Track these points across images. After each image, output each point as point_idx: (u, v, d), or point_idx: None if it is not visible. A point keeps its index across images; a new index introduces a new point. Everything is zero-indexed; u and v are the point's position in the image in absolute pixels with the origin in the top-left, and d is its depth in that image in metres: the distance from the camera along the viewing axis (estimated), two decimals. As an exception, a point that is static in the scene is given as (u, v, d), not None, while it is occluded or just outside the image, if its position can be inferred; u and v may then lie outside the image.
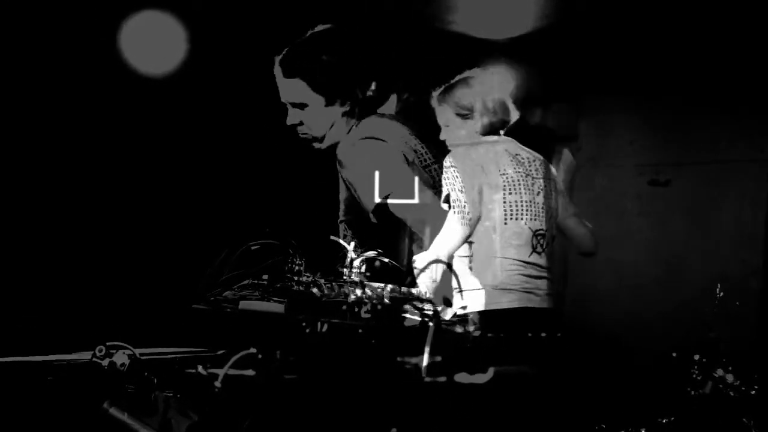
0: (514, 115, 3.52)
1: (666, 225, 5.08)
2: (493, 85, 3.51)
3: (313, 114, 3.61)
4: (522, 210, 3.38)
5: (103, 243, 4.88)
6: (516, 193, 3.39)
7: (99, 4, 4.73)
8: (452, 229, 3.31)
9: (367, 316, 2.71)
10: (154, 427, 2.87)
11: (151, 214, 4.98)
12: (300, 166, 5.13)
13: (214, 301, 2.82)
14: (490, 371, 2.52)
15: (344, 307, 2.71)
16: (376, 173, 3.30)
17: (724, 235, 5.01)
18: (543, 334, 2.86)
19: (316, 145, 3.68)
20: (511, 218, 3.37)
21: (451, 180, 3.38)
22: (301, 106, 3.60)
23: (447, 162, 3.40)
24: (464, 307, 3.01)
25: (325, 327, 2.72)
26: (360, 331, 2.70)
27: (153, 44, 4.88)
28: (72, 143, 4.84)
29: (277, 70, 3.64)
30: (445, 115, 3.53)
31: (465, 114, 3.49)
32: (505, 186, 3.39)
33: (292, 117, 3.65)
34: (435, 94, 3.57)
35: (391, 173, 3.35)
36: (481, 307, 3.26)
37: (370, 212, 3.40)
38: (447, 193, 3.37)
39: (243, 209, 4.95)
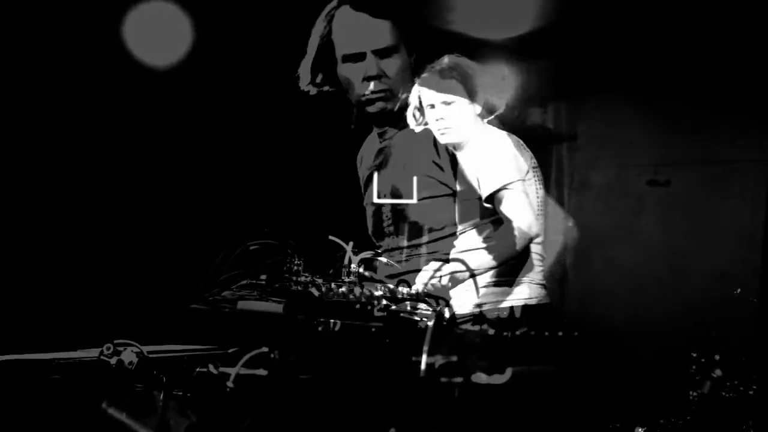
0: (500, 106, 3.36)
1: (666, 225, 5.08)
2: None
3: (395, 64, 3.45)
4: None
5: (109, 239, 4.88)
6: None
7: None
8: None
9: (381, 314, 2.71)
10: (152, 427, 2.87)
11: (156, 210, 4.98)
12: (299, 165, 5.14)
13: (212, 301, 2.82)
14: (508, 372, 2.49)
15: (358, 306, 2.71)
16: (502, 156, 3.21)
17: (724, 235, 5.01)
18: (560, 333, 2.81)
19: (383, 104, 3.48)
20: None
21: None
22: (387, 52, 3.42)
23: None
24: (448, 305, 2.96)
25: (338, 326, 2.72)
26: (373, 330, 2.70)
27: (154, 38, 4.88)
28: (74, 140, 4.83)
29: (350, 14, 3.46)
30: (450, 89, 3.30)
31: (475, 90, 3.31)
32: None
33: (371, 68, 3.45)
34: (432, 70, 3.32)
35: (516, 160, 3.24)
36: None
37: (483, 198, 3.25)
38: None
39: (244, 208, 4.95)
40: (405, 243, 3.28)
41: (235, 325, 2.91)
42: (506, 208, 3.15)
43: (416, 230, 3.31)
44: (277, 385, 2.72)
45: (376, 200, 3.56)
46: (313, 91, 3.58)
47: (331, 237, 2.93)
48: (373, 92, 3.47)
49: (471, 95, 3.29)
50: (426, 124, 3.36)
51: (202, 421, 2.84)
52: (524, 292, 3.22)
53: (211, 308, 2.83)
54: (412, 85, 3.41)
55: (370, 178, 3.60)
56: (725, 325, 4.00)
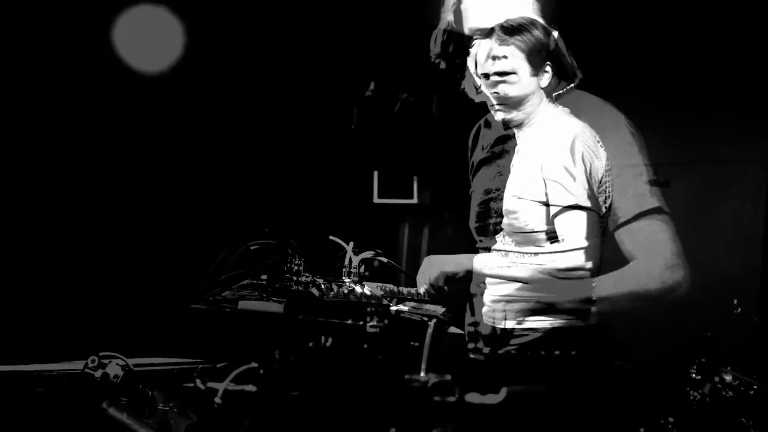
0: (579, 74, 2.97)
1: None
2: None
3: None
4: None
5: (95, 246, 4.86)
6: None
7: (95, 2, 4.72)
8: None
9: (373, 330, 2.70)
10: (152, 426, 2.86)
11: (157, 211, 4.98)
12: (299, 165, 5.13)
13: (213, 301, 2.82)
14: (503, 391, 2.46)
15: (349, 321, 2.70)
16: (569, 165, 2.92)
17: (723, 235, 5.00)
18: (557, 352, 2.74)
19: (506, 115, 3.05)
20: None
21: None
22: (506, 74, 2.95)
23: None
24: (446, 313, 2.91)
25: (329, 342, 2.71)
26: (365, 346, 2.69)
27: (150, 40, 4.89)
28: (60, 145, 4.81)
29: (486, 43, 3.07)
30: (507, 58, 2.84)
31: (541, 57, 2.85)
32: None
33: (491, 86, 3.02)
34: (487, 30, 2.91)
35: None
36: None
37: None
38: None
39: (244, 208, 4.95)
40: (513, 247, 2.98)
41: (236, 325, 2.90)
42: (561, 229, 2.82)
43: (528, 238, 2.97)
44: (276, 387, 2.71)
45: (376, 200, 3.53)
46: (443, 64, 3.28)
47: (331, 237, 2.93)
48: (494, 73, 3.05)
49: (535, 66, 2.86)
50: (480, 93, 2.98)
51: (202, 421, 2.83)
52: (569, 313, 2.89)
53: (211, 308, 2.83)
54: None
55: (483, 163, 3.30)
56: (725, 324, 4.00)
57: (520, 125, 2.96)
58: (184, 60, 4.93)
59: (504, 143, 3.22)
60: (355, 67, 5.02)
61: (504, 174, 3.16)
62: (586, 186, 2.84)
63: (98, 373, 2.90)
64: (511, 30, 2.88)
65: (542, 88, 2.91)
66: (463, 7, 3.24)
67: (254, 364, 2.75)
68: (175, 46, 4.95)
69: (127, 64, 4.83)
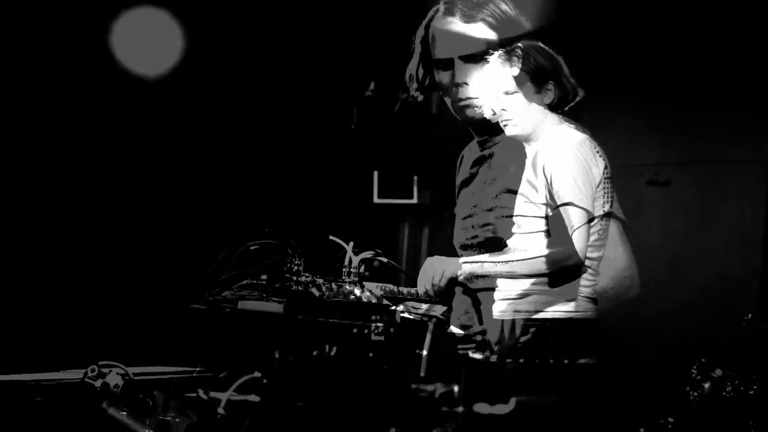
0: (581, 92, 3.12)
1: (666, 225, 5.08)
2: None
3: (478, 71, 3.23)
4: None
5: (93, 249, 4.86)
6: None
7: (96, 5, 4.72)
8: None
9: (378, 338, 2.70)
10: (152, 426, 2.86)
11: (157, 211, 4.98)
12: (299, 165, 5.14)
13: (213, 301, 2.81)
14: (512, 402, 2.45)
15: (354, 330, 2.70)
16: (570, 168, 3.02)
17: (723, 235, 5.01)
18: (566, 361, 2.75)
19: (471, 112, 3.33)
20: None
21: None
22: (477, 58, 3.26)
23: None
24: (446, 313, 2.93)
25: (334, 350, 2.70)
26: (371, 355, 2.69)
27: (150, 41, 4.89)
28: (57, 147, 4.81)
29: (443, 19, 3.37)
30: (512, 78, 3.03)
31: (543, 77, 3.05)
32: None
33: (461, 75, 3.34)
34: (496, 54, 3.09)
35: None
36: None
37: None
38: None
39: (244, 208, 4.95)
40: (488, 258, 3.05)
41: (236, 325, 2.90)
42: (554, 227, 2.96)
43: (499, 248, 3.09)
44: (277, 396, 2.70)
45: (376, 200, 3.54)
46: (421, 97, 3.52)
47: (331, 237, 2.93)
48: (460, 99, 3.36)
49: (538, 85, 3.06)
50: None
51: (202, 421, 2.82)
52: (569, 305, 2.98)
53: (211, 308, 2.82)
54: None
55: (464, 185, 3.48)
56: (725, 324, 4.01)
57: (527, 140, 3.11)
58: (184, 60, 4.94)
59: (480, 164, 3.41)
60: (355, 67, 5.03)
61: (478, 191, 3.35)
62: (548, 196, 2.99)
63: (98, 383, 2.85)
64: (514, 52, 3.09)
65: (547, 105, 3.09)
66: (430, 43, 3.40)
67: (257, 374, 2.73)
68: (176, 46, 4.96)
69: (128, 65, 4.84)
